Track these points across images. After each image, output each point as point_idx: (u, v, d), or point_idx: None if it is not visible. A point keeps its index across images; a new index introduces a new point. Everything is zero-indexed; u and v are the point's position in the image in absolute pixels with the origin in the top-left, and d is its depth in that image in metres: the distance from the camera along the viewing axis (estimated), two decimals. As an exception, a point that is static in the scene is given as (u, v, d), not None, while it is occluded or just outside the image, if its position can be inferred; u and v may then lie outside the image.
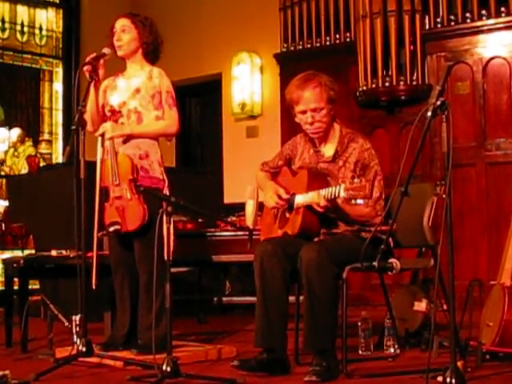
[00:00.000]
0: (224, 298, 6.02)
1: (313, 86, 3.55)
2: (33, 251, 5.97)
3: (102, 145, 4.01)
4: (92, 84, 3.92)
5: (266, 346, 3.47)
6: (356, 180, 3.17)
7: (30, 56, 8.41)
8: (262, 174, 3.89)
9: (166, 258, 3.47)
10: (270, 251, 3.46)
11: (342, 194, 3.18)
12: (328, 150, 3.65)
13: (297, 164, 3.74)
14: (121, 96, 4.04)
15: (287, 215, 3.62)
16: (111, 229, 3.92)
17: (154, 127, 3.99)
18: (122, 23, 4.06)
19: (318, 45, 7.31)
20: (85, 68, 3.90)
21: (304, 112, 3.57)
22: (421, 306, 4.16)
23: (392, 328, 4.06)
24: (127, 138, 3.96)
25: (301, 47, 7.42)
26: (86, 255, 3.63)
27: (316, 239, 3.56)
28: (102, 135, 3.98)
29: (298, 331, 3.74)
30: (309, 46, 7.37)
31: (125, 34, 4.04)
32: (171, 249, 3.37)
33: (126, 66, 4.13)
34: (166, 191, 3.93)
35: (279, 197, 3.61)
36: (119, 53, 4.05)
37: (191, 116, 8.95)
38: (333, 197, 3.30)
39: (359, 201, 3.15)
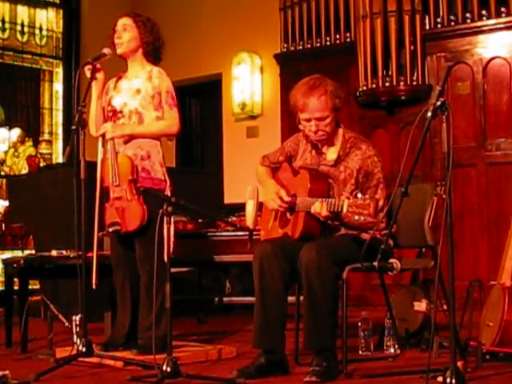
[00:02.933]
0: (224, 298, 6.02)
1: (318, 94, 3.49)
2: (33, 251, 5.97)
3: (103, 145, 4.01)
4: (95, 87, 3.94)
5: (264, 346, 3.46)
6: (360, 196, 3.15)
7: (30, 56, 8.41)
8: (262, 169, 3.87)
9: (165, 258, 3.48)
10: (269, 252, 3.46)
11: (345, 210, 3.17)
12: (330, 153, 3.64)
13: (298, 162, 3.72)
14: (122, 97, 4.04)
15: (288, 216, 3.61)
16: (111, 229, 3.92)
17: (154, 127, 3.98)
18: (123, 22, 4.06)
19: (318, 45, 7.32)
20: (86, 67, 3.91)
21: (308, 120, 3.53)
22: (421, 306, 4.16)
23: (392, 328, 4.06)
24: (129, 139, 3.96)
25: (301, 47, 7.43)
26: (86, 255, 3.63)
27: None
28: (103, 135, 3.98)
29: (298, 331, 3.74)
30: (309, 46, 7.37)
31: (126, 32, 4.03)
32: (171, 249, 3.37)
33: (128, 67, 4.13)
34: (168, 192, 3.93)
35: (281, 199, 3.58)
36: (118, 51, 4.05)
37: (191, 116, 8.95)
38: (335, 210, 3.28)
39: (362, 218, 3.14)
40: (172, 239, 3.39)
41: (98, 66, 3.95)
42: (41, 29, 8.52)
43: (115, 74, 4.16)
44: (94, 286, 3.85)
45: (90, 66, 3.91)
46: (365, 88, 6.72)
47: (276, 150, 3.87)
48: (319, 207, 3.33)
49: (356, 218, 3.14)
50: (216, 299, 5.97)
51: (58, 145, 8.63)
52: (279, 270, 3.45)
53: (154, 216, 3.50)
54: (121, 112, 4.01)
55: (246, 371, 3.37)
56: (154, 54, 4.09)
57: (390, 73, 6.59)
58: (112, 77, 4.14)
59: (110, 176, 3.93)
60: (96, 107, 4.04)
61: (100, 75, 3.97)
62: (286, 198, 3.58)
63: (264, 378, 3.35)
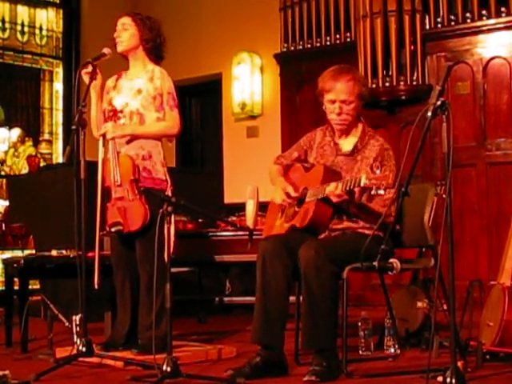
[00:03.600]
0: (224, 298, 6.02)
1: (347, 78, 3.60)
2: (33, 251, 5.96)
3: (104, 145, 4.01)
4: (94, 92, 3.94)
5: (263, 342, 3.45)
6: (378, 171, 3.18)
7: (30, 56, 8.40)
8: (274, 167, 3.90)
9: (166, 258, 3.48)
10: (272, 249, 3.46)
11: (363, 183, 3.16)
12: (347, 144, 3.69)
13: (313, 154, 3.76)
14: (123, 97, 4.04)
15: (296, 209, 3.63)
16: (113, 229, 3.92)
17: (155, 128, 3.99)
18: (122, 21, 4.07)
19: (318, 45, 7.32)
20: (83, 71, 3.91)
21: (333, 102, 3.61)
22: (424, 304, 4.17)
23: (392, 328, 4.06)
24: (130, 139, 3.96)
25: (301, 47, 7.43)
26: (86, 255, 3.63)
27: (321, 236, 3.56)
28: (104, 135, 3.98)
29: (297, 331, 3.74)
30: (309, 46, 7.37)
31: (125, 31, 4.04)
32: (171, 249, 3.37)
33: (129, 66, 4.12)
34: (169, 192, 3.93)
35: (287, 195, 3.64)
36: (119, 48, 4.05)
37: (191, 116, 8.94)
38: (353, 186, 3.28)
39: (380, 191, 3.14)
40: (172, 239, 3.39)
41: (97, 70, 3.94)
42: (41, 29, 8.51)
43: (116, 73, 4.15)
44: (96, 286, 3.85)
45: (87, 70, 3.90)
46: (365, 88, 6.72)
47: (292, 148, 3.92)
48: (334, 186, 3.37)
49: (373, 191, 3.14)
50: (216, 299, 5.97)
51: (58, 145, 8.63)
52: (282, 267, 3.44)
53: (155, 216, 3.49)
54: (121, 112, 4.01)
55: (241, 371, 3.35)
56: (155, 51, 4.09)
57: (390, 73, 6.60)
58: (112, 75, 4.14)
59: (112, 176, 3.93)
60: (96, 111, 4.04)
61: (98, 81, 3.96)
62: (293, 194, 3.63)
63: (264, 378, 3.35)
